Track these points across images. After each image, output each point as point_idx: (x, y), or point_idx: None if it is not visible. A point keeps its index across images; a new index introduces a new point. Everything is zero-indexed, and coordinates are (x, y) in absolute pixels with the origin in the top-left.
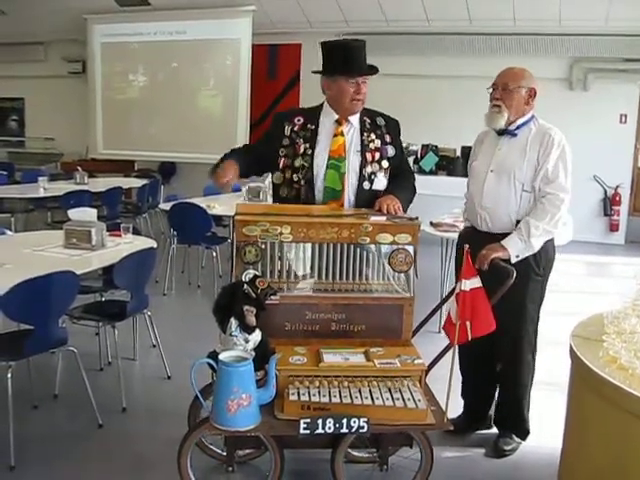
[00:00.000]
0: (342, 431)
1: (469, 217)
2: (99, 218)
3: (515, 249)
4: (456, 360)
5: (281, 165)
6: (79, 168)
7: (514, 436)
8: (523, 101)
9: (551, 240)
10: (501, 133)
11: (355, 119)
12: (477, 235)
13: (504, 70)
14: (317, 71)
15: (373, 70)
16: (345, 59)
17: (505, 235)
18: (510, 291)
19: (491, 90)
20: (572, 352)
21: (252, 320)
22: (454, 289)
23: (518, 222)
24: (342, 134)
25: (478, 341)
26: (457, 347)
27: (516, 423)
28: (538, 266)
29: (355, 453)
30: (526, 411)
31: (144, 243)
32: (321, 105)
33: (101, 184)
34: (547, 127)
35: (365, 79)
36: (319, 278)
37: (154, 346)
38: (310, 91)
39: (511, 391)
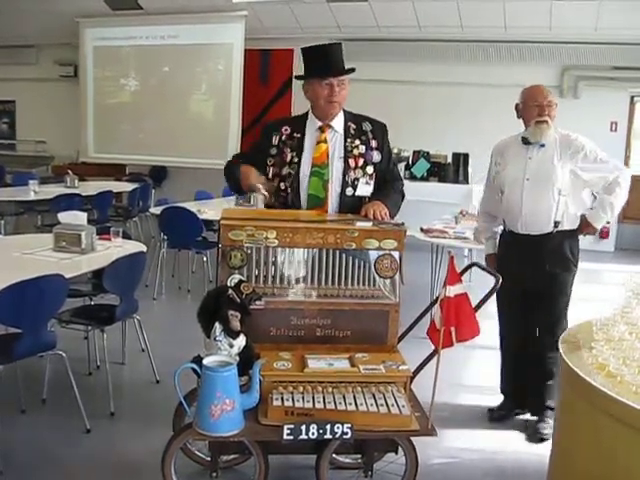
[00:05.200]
0: (326, 437)
1: (508, 223)
2: (89, 222)
3: (600, 224)
4: (440, 366)
5: (270, 174)
6: (70, 171)
7: (548, 419)
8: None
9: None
10: (527, 143)
11: (339, 125)
12: (517, 238)
13: (539, 87)
14: (299, 76)
15: (346, 71)
16: (319, 61)
17: (543, 236)
18: (557, 282)
19: (521, 105)
20: (561, 359)
21: (236, 325)
22: (439, 296)
23: (556, 223)
24: (325, 141)
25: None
26: (504, 334)
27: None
28: (575, 259)
29: (340, 459)
30: None
31: (134, 247)
32: (307, 113)
33: (92, 188)
34: (566, 133)
35: (341, 81)
36: (305, 283)
37: (143, 350)
38: (302, 96)
39: (548, 374)
